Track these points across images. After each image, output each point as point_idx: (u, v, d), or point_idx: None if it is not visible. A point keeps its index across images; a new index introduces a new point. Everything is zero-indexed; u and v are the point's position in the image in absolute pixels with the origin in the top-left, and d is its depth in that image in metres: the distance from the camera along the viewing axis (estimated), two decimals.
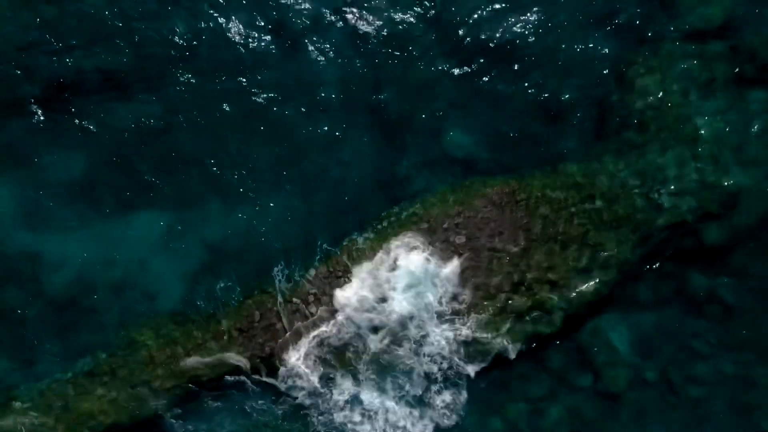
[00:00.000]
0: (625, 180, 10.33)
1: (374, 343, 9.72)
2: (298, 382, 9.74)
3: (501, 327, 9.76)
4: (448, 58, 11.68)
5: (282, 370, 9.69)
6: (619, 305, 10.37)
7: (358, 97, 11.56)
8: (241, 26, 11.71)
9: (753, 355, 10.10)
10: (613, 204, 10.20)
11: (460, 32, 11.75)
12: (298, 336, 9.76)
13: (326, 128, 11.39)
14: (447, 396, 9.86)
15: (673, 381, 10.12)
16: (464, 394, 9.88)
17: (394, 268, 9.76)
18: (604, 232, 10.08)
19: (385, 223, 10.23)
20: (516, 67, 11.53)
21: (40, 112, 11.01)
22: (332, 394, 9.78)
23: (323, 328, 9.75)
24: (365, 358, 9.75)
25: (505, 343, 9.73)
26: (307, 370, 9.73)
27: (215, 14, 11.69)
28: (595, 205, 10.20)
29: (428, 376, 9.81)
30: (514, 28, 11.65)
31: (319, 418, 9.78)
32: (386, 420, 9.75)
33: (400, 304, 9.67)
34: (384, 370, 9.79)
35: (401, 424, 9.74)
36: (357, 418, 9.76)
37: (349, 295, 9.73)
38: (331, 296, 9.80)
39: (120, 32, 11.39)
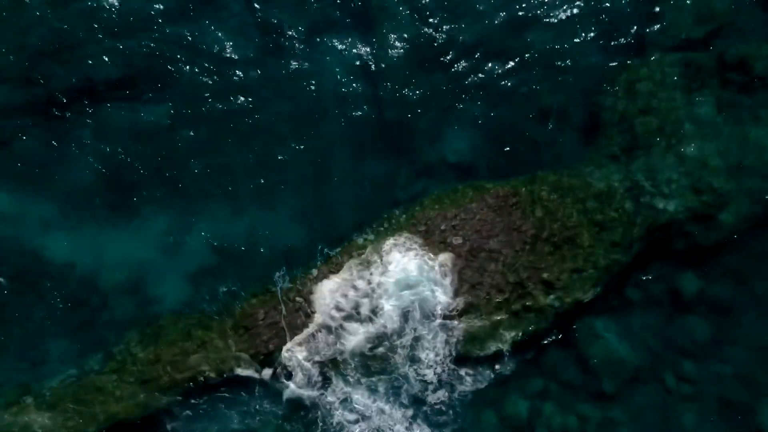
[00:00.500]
0: (618, 183, 10.47)
1: (368, 344, 9.81)
2: (297, 381, 9.82)
3: (496, 326, 9.88)
4: (446, 65, 11.82)
5: (279, 369, 9.80)
6: (612, 305, 10.45)
7: (358, 103, 11.66)
8: (245, 34, 11.87)
9: (743, 354, 10.18)
10: (605, 206, 10.33)
11: (457, 39, 11.87)
12: (297, 336, 9.87)
13: (327, 133, 11.53)
14: (442, 394, 9.93)
15: (665, 378, 10.19)
16: (459, 393, 9.98)
17: (385, 270, 9.87)
18: (597, 233, 10.19)
19: (384, 226, 10.38)
20: (512, 74, 11.66)
21: (50, 117, 11.15)
22: (328, 394, 9.85)
23: (317, 330, 9.84)
24: (360, 359, 9.84)
25: (500, 341, 9.85)
26: (304, 370, 9.81)
27: (220, 22, 11.88)
28: (588, 207, 10.32)
29: (423, 376, 9.89)
30: (510, 36, 11.81)
31: (316, 417, 9.83)
32: (381, 420, 9.82)
33: (393, 305, 9.78)
34: (379, 371, 9.89)
35: (396, 425, 9.82)
36: (352, 418, 9.82)
37: (328, 300, 9.85)
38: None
39: (128, 40, 11.55)
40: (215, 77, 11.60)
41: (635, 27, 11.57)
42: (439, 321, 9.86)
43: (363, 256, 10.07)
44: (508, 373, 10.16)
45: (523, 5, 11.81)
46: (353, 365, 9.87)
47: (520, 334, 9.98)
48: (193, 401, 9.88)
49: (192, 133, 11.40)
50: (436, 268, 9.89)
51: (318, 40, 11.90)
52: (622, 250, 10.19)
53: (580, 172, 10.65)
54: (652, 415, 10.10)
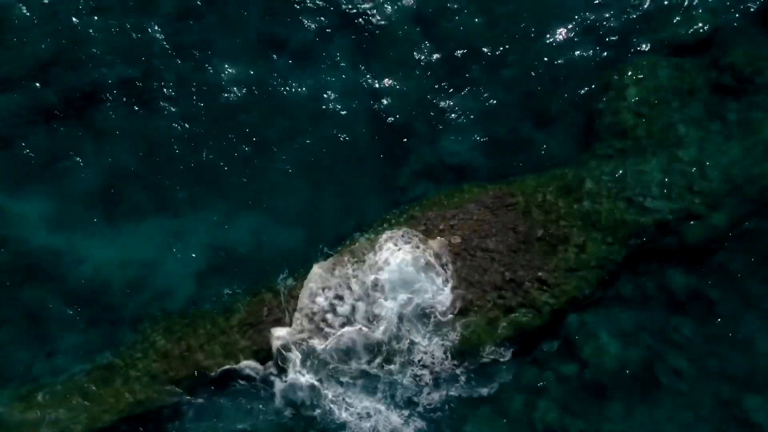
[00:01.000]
0: (611, 184, 10.64)
1: (364, 342, 9.93)
2: (297, 380, 9.96)
3: (492, 322, 10.05)
4: (444, 69, 12.04)
5: (281, 366, 9.97)
6: (605, 301, 10.56)
7: (359, 108, 11.86)
8: (249, 41, 12.11)
9: (732, 349, 10.29)
10: (599, 206, 10.50)
11: (456, 44, 12.08)
12: (295, 334, 10.03)
13: (328, 136, 11.74)
14: (438, 391, 10.04)
15: (656, 373, 10.26)
16: (455, 388, 10.11)
17: (381, 267, 10.01)
18: (591, 232, 10.38)
19: (384, 226, 10.59)
20: (508, 77, 11.87)
21: (61, 121, 11.35)
22: (327, 393, 9.96)
23: (314, 328, 10.00)
24: (356, 359, 9.99)
25: (496, 337, 10.01)
26: (304, 368, 9.97)
27: (222, 30, 12.11)
28: (583, 207, 10.52)
29: (420, 373, 10.00)
30: (507, 41, 12.00)
31: (316, 416, 9.94)
32: (379, 417, 9.92)
33: (390, 299, 9.92)
34: (375, 369, 10.01)
35: (394, 422, 9.91)
36: (349, 417, 9.91)
37: (307, 302, 10.02)
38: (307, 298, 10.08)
39: (136, 47, 11.80)
40: (218, 83, 11.82)
41: (628, 33, 11.77)
42: (436, 317, 10.01)
43: (357, 247, 10.21)
44: (503, 368, 10.29)
45: (520, 12, 12.04)
46: (346, 366, 10.03)
47: (516, 330, 10.14)
48: (197, 396, 10.06)
49: (196, 136, 11.60)
50: (431, 258, 10.01)
51: (320, 45, 12.12)
52: (614, 250, 10.37)
53: (574, 173, 10.84)
54: (644, 409, 10.21)
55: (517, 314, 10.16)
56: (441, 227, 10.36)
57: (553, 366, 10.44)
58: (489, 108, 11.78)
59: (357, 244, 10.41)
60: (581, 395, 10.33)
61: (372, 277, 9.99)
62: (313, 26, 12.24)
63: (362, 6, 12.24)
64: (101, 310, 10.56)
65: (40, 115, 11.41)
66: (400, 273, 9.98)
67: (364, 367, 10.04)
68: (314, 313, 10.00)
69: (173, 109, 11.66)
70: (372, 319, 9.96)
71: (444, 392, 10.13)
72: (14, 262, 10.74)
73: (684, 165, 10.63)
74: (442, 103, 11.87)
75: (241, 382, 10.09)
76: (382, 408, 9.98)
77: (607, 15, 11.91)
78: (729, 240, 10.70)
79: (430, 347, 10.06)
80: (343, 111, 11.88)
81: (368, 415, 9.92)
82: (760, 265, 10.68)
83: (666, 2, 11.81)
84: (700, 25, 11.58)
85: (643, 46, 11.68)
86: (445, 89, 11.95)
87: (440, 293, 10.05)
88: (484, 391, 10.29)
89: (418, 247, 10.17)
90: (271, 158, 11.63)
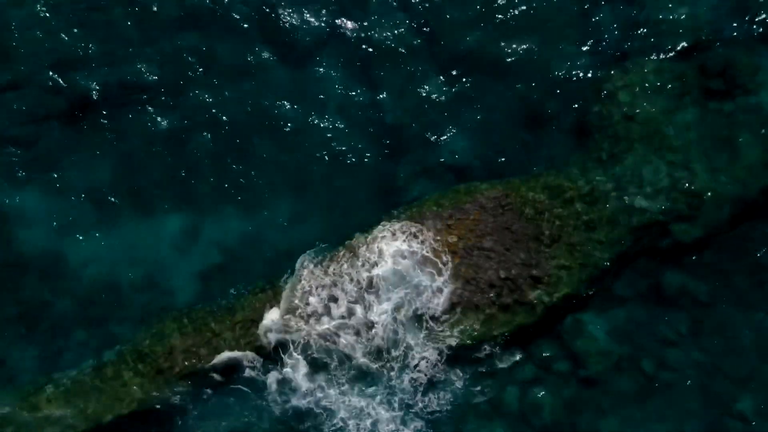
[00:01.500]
0: (604, 184, 10.88)
1: (360, 341, 10.12)
2: (297, 377, 10.15)
3: (489, 319, 10.25)
4: (442, 73, 12.21)
5: (282, 362, 10.17)
6: (598, 299, 10.76)
7: (358, 110, 12.04)
8: (251, 44, 12.27)
9: (721, 344, 10.58)
10: (592, 206, 10.75)
11: (453, 49, 12.27)
12: (293, 333, 10.21)
13: (329, 138, 11.89)
14: (436, 386, 10.19)
15: (648, 368, 10.51)
16: (452, 383, 10.28)
17: (376, 262, 10.18)
18: (584, 232, 10.61)
19: (383, 225, 10.74)
20: (504, 81, 12.04)
21: (67, 123, 11.53)
22: (326, 391, 10.12)
23: (309, 329, 10.17)
24: (353, 360, 10.15)
25: (492, 334, 10.22)
26: (303, 367, 10.16)
27: (229, 33, 12.29)
28: (576, 207, 10.73)
29: (417, 369, 10.16)
30: (502, 45, 12.17)
31: (315, 414, 10.08)
32: (376, 414, 10.08)
33: (385, 304, 10.12)
34: (373, 366, 10.17)
35: (392, 418, 10.05)
36: (349, 416, 10.06)
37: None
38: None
39: (141, 49, 12.00)
40: (224, 85, 12.01)
41: (620, 37, 11.97)
42: (432, 314, 10.21)
43: (353, 242, 10.42)
44: (499, 363, 10.49)
45: (516, 17, 12.22)
46: (342, 366, 10.22)
47: (512, 327, 10.34)
48: (202, 393, 10.24)
49: (203, 138, 11.77)
50: (427, 251, 10.22)
51: (322, 49, 12.29)
52: (607, 248, 10.60)
53: (568, 174, 11.07)
54: (636, 402, 10.46)
55: (512, 312, 10.36)
56: (438, 227, 10.56)
57: (547, 362, 10.64)
58: (485, 111, 11.98)
59: (354, 240, 10.59)
60: (574, 391, 10.55)
61: (366, 275, 10.16)
62: (315, 31, 12.43)
63: (362, 11, 12.45)
64: (107, 308, 10.72)
65: (46, 117, 11.57)
66: (394, 264, 10.09)
67: (363, 367, 10.23)
68: (309, 315, 10.21)
69: (178, 112, 11.86)
70: (368, 316, 10.14)
71: (440, 389, 10.29)
72: (23, 261, 10.93)
73: (675, 167, 10.88)
74: (440, 106, 12.04)
75: (245, 379, 10.26)
76: (380, 406, 10.15)
77: (601, 22, 12.13)
78: (718, 240, 10.96)
79: (426, 345, 10.24)
80: (343, 114, 12.07)
81: (367, 415, 10.09)
82: (748, 264, 10.97)
83: (657, 9, 12.03)
84: (691, 31, 11.80)
85: (635, 51, 11.88)
86: (442, 93, 12.14)
87: (436, 288, 10.20)
88: (480, 387, 10.51)
89: (415, 237, 10.33)
90: (273, 160, 11.80)
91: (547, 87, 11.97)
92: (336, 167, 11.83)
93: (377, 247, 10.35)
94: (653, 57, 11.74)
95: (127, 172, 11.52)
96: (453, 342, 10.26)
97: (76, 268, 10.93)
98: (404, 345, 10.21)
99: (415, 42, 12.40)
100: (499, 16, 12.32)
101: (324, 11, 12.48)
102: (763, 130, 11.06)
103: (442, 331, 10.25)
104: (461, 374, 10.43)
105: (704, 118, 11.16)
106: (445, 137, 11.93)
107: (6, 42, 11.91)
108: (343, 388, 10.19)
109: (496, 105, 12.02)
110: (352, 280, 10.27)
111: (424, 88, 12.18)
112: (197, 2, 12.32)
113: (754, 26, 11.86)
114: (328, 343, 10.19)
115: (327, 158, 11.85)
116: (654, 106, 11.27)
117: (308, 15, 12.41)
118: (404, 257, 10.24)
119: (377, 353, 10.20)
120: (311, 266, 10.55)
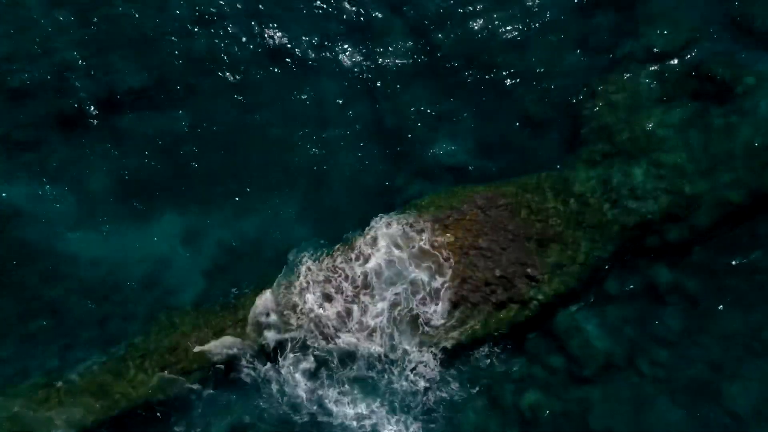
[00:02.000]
0: (596, 185, 11.07)
1: (358, 343, 10.33)
2: (298, 375, 10.36)
3: (484, 316, 10.47)
4: (439, 76, 12.47)
5: (285, 359, 10.37)
6: (591, 297, 10.95)
7: (357, 112, 12.29)
8: (254, 49, 12.52)
9: (712, 341, 10.73)
10: (585, 207, 10.94)
11: (450, 52, 12.53)
12: (293, 331, 10.44)
13: (330, 140, 12.16)
14: (432, 382, 10.38)
15: (640, 365, 10.68)
16: (448, 380, 10.46)
17: (371, 253, 10.41)
18: (577, 231, 10.81)
19: (380, 216, 10.98)
20: (500, 84, 12.29)
21: (78, 126, 11.74)
22: (326, 389, 10.32)
23: (301, 331, 10.40)
24: (351, 358, 10.37)
25: (488, 331, 10.43)
26: (304, 364, 10.37)
27: (231, 37, 12.54)
28: (569, 208, 10.94)
29: (414, 366, 10.36)
30: (498, 49, 12.45)
31: (316, 412, 10.26)
32: (374, 413, 10.27)
33: (380, 303, 10.34)
34: (370, 367, 10.40)
35: (390, 413, 10.24)
36: (348, 414, 10.24)
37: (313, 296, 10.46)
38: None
39: (147, 54, 12.24)
40: (226, 88, 12.26)
41: (613, 42, 12.21)
42: (429, 310, 10.43)
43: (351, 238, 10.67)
44: (495, 360, 10.69)
45: (511, 23, 12.47)
46: (339, 365, 10.43)
47: (507, 324, 10.55)
48: (206, 388, 10.43)
49: (206, 140, 12.01)
50: (422, 241, 10.42)
51: (323, 53, 12.54)
52: (600, 247, 10.80)
53: (562, 175, 11.28)
54: (628, 398, 10.62)
55: (507, 309, 10.56)
56: (436, 227, 10.80)
57: (542, 358, 10.83)
58: (482, 113, 12.22)
59: (352, 238, 10.83)
60: (568, 386, 10.73)
61: (359, 270, 10.37)
62: (316, 36, 12.68)
63: (363, 16, 12.68)
64: (116, 306, 10.93)
65: (58, 120, 11.80)
66: (388, 252, 10.31)
67: (361, 366, 10.45)
68: (308, 311, 10.43)
69: (183, 115, 12.10)
70: (365, 315, 10.37)
71: (436, 386, 10.48)
72: (31, 261, 11.16)
73: (666, 168, 11.05)
74: (438, 109, 12.29)
75: (247, 377, 10.48)
76: (375, 402, 10.34)
77: (594, 26, 12.37)
78: (709, 240, 11.13)
79: (423, 343, 10.44)
80: (343, 116, 12.33)
81: (366, 413, 10.29)
82: (738, 264, 11.13)
83: (649, 14, 12.25)
84: (681, 35, 12.01)
85: (628, 55, 12.09)
86: (440, 96, 12.39)
87: (434, 285, 10.41)
88: (476, 384, 10.70)
89: (411, 227, 10.53)
90: (274, 161, 12.04)
91: (542, 91, 12.21)
92: (336, 169, 12.07)
93: (372, 236, 10.54)
94: (645, 62, 11.96)
95: (131, 173, 11.74)
96: (449, 340, 10.46)
97: (82, 268, 11.14)
98: (401, 343, 10.42)
99: (413, 47, 12.68)
100: (496, 22, 12.58)
101: (325, 19, 12.78)
102: (753, 133, 11.21)
103: (438, 329, 10.44)
104: (457, 371, 10.63)
105: (695, 122, 11.33)
106: (442, 140, 12.18)
107: (9, 47, 12.18)
108: (341, 388, 10.39)
109: (492, 108, 12.26)
110: (347, 277, 10.48)
111: (422, 92, 12.46)
112: (200, 10, 12.57)
113: (744, 32, 12.08)
114: (326, 342, 10.40)
115: (327, 160, 12.10)
116: (646, 110, 11.48)
117: (310, 22, 12.69)
118: (398, 246, 10.39)
119: (375, 351, 10.42)
120: (309, 262, 10.78)
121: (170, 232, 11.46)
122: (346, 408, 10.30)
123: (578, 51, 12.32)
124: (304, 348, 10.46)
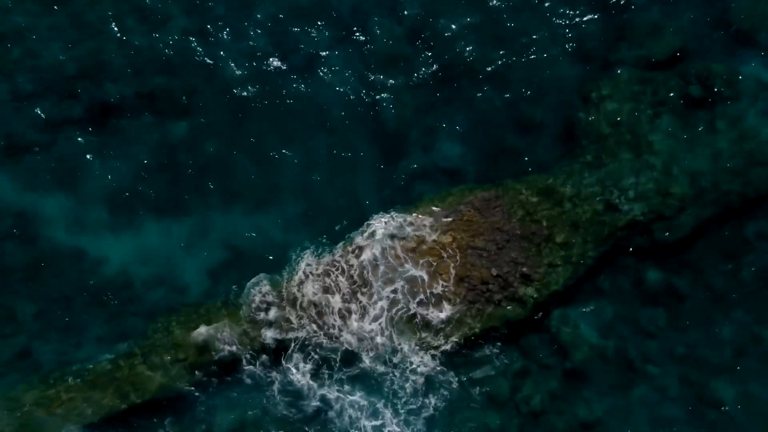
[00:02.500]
0: (589, 187, 11.37)
1: (358, 341, 10.53)
2: (299, 373, 10.56)
3: (481, 314, 10.72)
4: (438, 82, 12.69)
5: (287, 357, 10.58)
6: (584, 294, 11.28)
7: (359, 117, 12.50)
8: (257, 54, 12.73)
9: (699, 337, 11.14)
10: (578, 208, 11.23)
11: (449, 59, 12.74)
12: (293, 330, 10.67)
13: (331, 143, 12.39)
14: (431, 377, 10.62)
15: (631, 359, 11.05)
16: (447, 375, 10.71)
17: (366, 245, 10.64)
18: (571, 232, 11.10)
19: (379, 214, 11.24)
20: (496, 90, 12.55)
21: (86, 130, 11.96)
22: (321, 391, 10.48)
23: (302, 330, 10.62)
24: (351, 355, 10.57)
25: (484, 328, 10.70)
26: (301, 366, 10.55)
27: (235, 44, 12.75)
28: (563, 209, 11.23)
29: (413, 363, 10.56)
30: (495, 56, 12.68)
31: (317, 410, 10.46)
32: (373, 410, 10.46)
33: (379, 299, 10.55)
34: (369, 366, 10.60)
35: (388, 411, 10.43)
36: (345, 415, 10.43)
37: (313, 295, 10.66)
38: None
39: (153, 62, 12.46)
40: (229, 93, 12.47)
41: (605, 49, 12.51)
42: (428, 309, 10.66)
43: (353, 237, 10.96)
44: (491, 356, 10.99)
45: (507, 30, 12.73)
46: (340, 364, 10.64)
47: (503, 322, 10.84)
48: (210, 382, 10.68)
49: (209, 144, 12.24)
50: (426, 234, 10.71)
51: (324, 59, 12.76)
52: (592, 247, 11.10)
53: (556, 177, 11.56)
54: (620, 390, 11.00)
55: (503, 306, 10.82)
56: (434, 227, 11.06)
57: (537, 354, 11.15)
58: (479, 117, 12.47)
59: (353, 236, 11.09)
60: (562, 380, 11.06)
61: (356, 261, 10.56)
62: (317, 42, 12.87)
63: (362, 26, 12.88)
64: (124, 304, 11.19)
65: (66, 124, 12.01)
66: (385, 247, 10.57)
67: (361, 364, 10.65)
68: (309, 305, 10.66)
69: (187, 118, 12.33)
70: (365, 314, 10.62)
71: (436, 378, 10.72)
72: (43, 260, 11.39)
73: (655, 170, 11.38)
74: (436, 113, 12.53)
75: (250, 375, 10.73)
76: (379, 401, 10.56)
77: (587, 33, 12.64)
78: (696, 238, 11.50)
79: (421, 341, 10.65)
80: (344, 121, 12.53)
81: (367, 411, 10.50)
82: (723, 262, 11.56)
83: (640, 21, 12.54)
84: (671, 42, 12.33)
85: (619, 61, 12.39)
86: (438, 100, 12.63)
87: (431, 283, 10.63)
88: (474, 375, 10.98)
89: (411, 224, 10.79)
90: (276, 164, 12.25)
91: (537, 95, 12.50)
92: (337, 172, 12.31)
93: (370, 232, 10.81)
94: (636, 66, 12.26)
95: (140, 175, 11.97)
96: (447, 338, 10.71)
97: (93, 267, 11.39)
98: (400, 342, 10.64)
99: (413, 52, 12.89)
100: (492, 29, 12.81)
101: (327, 24, 12.95)
102: (739, 136, 11.60)
103: (436, 328, 10.66)
104: (455, 369, 10.88)
105: (684, 125, 11.67)
106: (440, 143, 12.42)
107: (29, 52, 12.39)
108: (342, 387, 10.60)
109: (488, 112, 12.52)
110: (344, 269, 10.70)
111: (420, 96, 12.67)
112: (207, 17, 12.76)
113: (731, 38, 12.42)
114: (328, 342, 10.63)
115: (328, 163, 12.34)
116: (637, 113, 11.79)
117: (312, 28, 12.85)
118: (395, 239, 10.64)
119: (375, 351, 10.65)
120: (308, 257, 10.99)
121: (179, 233, 11.69)
122: (347, 406, 10.53)
123: (573, 56, 12.59)
124: (305, 347, 10.68)
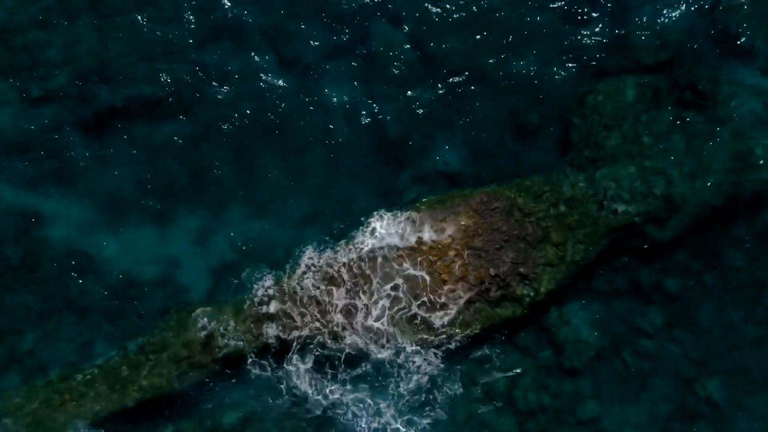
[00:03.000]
0: (585, 189, 11.50)
1: (359, 340, 10.69)
2: (301, 372, 10.70)
3: (479, 313, 10.90)
4: (437, 86, 12.82)
5: (291, 355, 10.73)
6: (580, 294, 11.47)
7: (359, 120, 12.64)
8: (260, 60, 12.89)
9: (692, 336, 11.34)
10: (574, 209, 11.38)
11: (447, 64, 12.88)
12: (296, 330, 10.80)
13: (332, 146, 12.55)
14: (430, 376, 10.79)
15: (625, 357, 11.26)
16: (446, 373, 10.91)
17: (365, 246, 10.79)
18: (567, 233, 11.24)
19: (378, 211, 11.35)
20: (494, 93, 12.68)
21: (95, 133, 12.13)
22: (324, 390, 10.63)
23: (306, 328, 10.74)
24: (353, 355, 10.69)
25: (483, 326, 10.86)
26: (303, 365, 10.72)
27: (238, 49, 12.95)
28: (559, 210, 11.38)
29: (413, 360, 10.71)
30: (493, 61, 12.81)
31: (318, 408, 10.61)
32: (372, 408, 10.61)
33: (379, 298, 10.72)
34: (369, 366, 10.79)
35: (388, 409, 10.60)
36: (347, 413, 10.57)
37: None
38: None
39: (160, 65, 12.62)
40: (235, 97, 12.63)
41: (601, 54, 12.65)
42: (428, 309, 10.84)
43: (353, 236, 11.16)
44: (489, 354, 11.21)
45: (505, 36, 12.86)
46: (344, 363, 10.79)
47: (500, 321, 11.00)
48: (216, 381, 10.87)
49: (216, 146, 12.40)
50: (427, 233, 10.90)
51: (326, 65, 12.91)
52: (588, 247, 11.27)
53: (552, 180, 11.71)
54: (614, 388, 11.22)
55: (501, 306, 11.01)
56: (433, 228, 11.24)
57: (534, 352, 11.37)
58: (476, 121, 12.62)
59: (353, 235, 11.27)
60: (558, 377, 11.28)
61: (356, 256, 10.72)
62: (320, 49, 13.02)
63: (365, 29, 13.03)
64: (131, 303, 11.38)
65: (76, 127, 12.18)
66: (385, 242, 10.72)
67: (361, 363, 10.86)
68: (310, 302, 10.77)
69: (194, 122, 12.48)
70: (367, 312, 10.77)
71: (435, 376, 10.92)
72: (52, 260, 11.59)
73: (649, 173, 11.51)
74: (435, 119, 12.66)
75: (253, 372, 10.85)
76: (380, 400, 10.74)
77: (583, 38, 12.79)
78: (690, 240, 11.68)
79: (421, 339, 10.79)
80: (345, 124, 12.70)
81: (370, 409, 10.67)
82: (716, 263, 11.77)
83: (635, 26, 12.69)
84: (666, 47, 12.47)
85: (615, 66, 12.55)
86: (437, 104, 12.77)
87: (430, 282, 10.82)
88: (472, 373, 11.21)
89: (413, 222, 10.95)
90: (278, 166, 12.42)
91: (534, 99, 12.64)
92: (338, 174, 12.49)
93: (371, 228, 11.01)
94: (631, 71, 12.40)
95: (146, 177, 12.14)
96: (448, 338, 10.87)
97: (101, 267, 11.58)
98: (402, 342, 10.78)
99: (413, 58, 13.03)
100: (490, 34, 12.95)
101: (328, 29, 13.11)
102: (731, 140, 11.75)
103: (437, 328, 10.82)
104: (455, 368, 11.09)
105: (677, 128, 11.81)
106: (440, 146, 12.59)
107: (35, 56, 12.56)
108: (344, 386, 10.77)
109: (486, 116, 12.66)
110: (345, 264, 10.83)
111: (420, 100, 12.81)
112: (212, 21, 12.92)
113: (723, 44, 12.59)
114: (330, 341, 10.78)
115: (331, 164, 12.51)
116: (631, 116, 11.92)
117: (314, 33, 13.01)
118: (395, 236, 10.82)
119: (376, 350, 10.82)
120: (310, 254, 11.15)
121: (183, 233, 11.88)
122: (350, 404, 10.68)
123: (569, 61, 12.71)
124: (308, 346, 10.82)
